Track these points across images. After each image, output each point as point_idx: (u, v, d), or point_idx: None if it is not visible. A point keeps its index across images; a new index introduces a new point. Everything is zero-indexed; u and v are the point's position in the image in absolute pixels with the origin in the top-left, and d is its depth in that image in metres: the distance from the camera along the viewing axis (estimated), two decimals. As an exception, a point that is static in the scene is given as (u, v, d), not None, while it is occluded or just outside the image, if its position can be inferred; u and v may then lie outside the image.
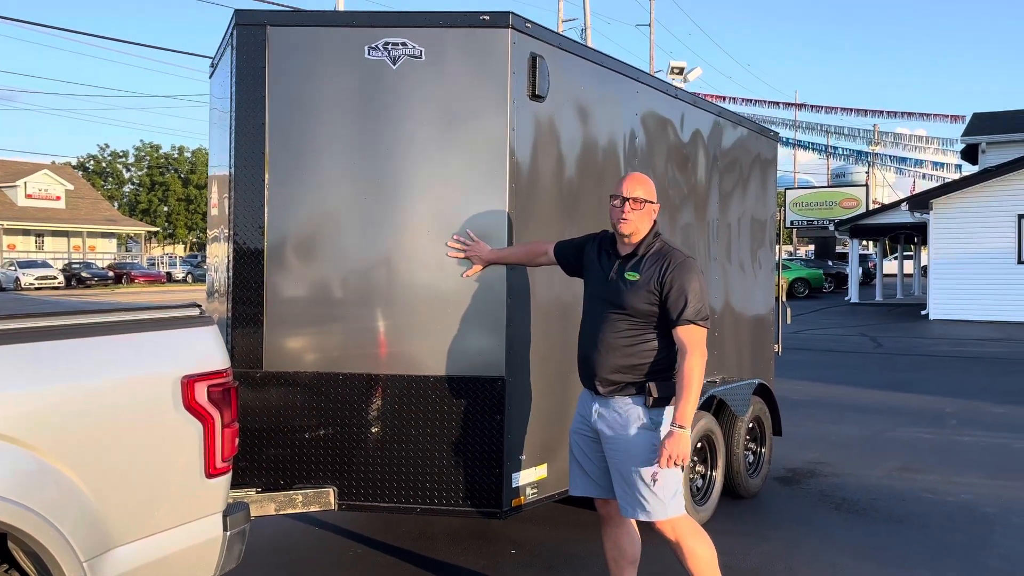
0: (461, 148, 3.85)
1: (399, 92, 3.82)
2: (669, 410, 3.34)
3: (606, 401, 3.41)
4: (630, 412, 3.36)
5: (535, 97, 3.92)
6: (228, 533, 2.79)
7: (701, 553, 3.39)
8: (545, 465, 4.07)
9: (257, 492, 3.84)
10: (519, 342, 3.89)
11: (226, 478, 2.82)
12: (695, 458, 4.94)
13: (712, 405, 5.17)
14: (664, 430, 3.31)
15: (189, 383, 2.66)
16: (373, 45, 3.81)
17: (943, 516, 5.35)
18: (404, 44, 3.80)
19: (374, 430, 3.84)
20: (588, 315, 3.54)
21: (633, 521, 3.55)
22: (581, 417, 3.55)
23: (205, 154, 61.46)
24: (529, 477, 3.97)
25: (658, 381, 3.35)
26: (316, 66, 3.86)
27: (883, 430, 8.00)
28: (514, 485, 3.87)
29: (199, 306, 2.84)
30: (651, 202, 3.42)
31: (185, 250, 68.06)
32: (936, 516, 5.35)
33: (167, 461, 2.63)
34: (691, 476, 4.91)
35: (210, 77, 4.82)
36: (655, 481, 3.28)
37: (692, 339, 3.27)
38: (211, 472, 2.73)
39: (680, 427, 3.18)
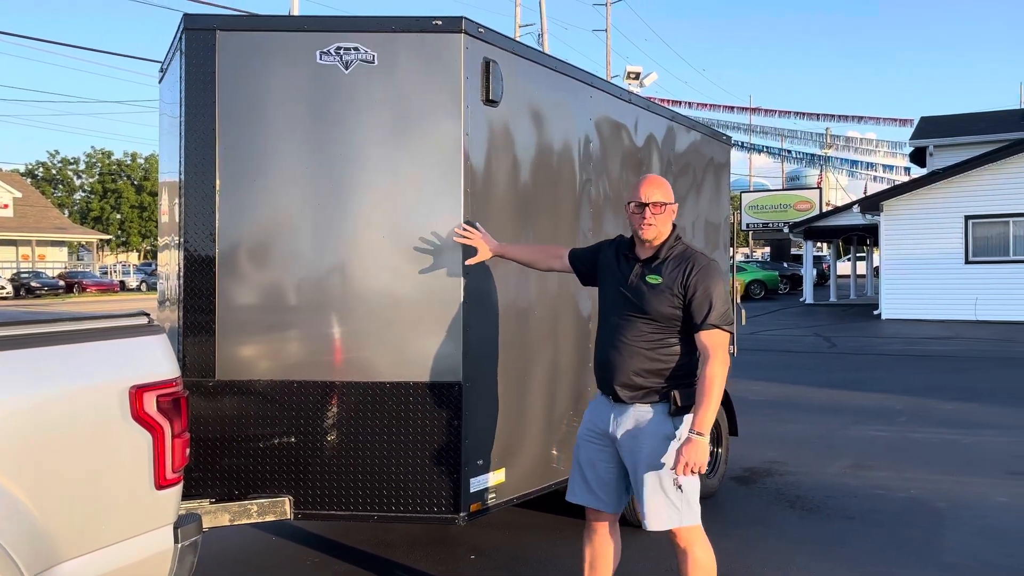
0: (415, 153, 3.83)
1: (352, 97, 3.79)
2: (688, 417, 3.28)
3: (625, 408, 3.34)
4: (652, 420, 3.29)
5: (489, 102, 3.92)
6: (179, 545, 2.74)
7: (706, 563, 3.34)
8: (503, 470, 4.06)
9: (211, 503, 3.78)
10: (476, 346, 3.88)
11: (177, 489, 2.78)
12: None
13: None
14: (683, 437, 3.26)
15: (137, 393, 2.61)
16: (325, 50, 3.79)
17: (895, 512, 5.45)
18: (356, 49, 3.78)
19: (330, 438, 3.81)
20: (607, 320, 3.45)
21: (618, 532, 3.54)
22: (592, 424, 3.48)
23: (158, 160, 60.35)
24: (487, 482, 3.96)
25: (681, 388, 3.28)
26: (267, 71, 3.82)
27: (837, 428, 8.14)
28: (472, 490, 3.85)
29: (147, 314, 2.79)
30: (670, 204, 3.37)
31: (139, 258, 66.89)
32: (888, 512, 5.45)
33: (115, 473, 2.58)
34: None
35: (160, 82, 4.75)
36: (679, 490, 3.24)
37: (716, 344, 3.21)
38: (161, 483, 2.69)
39: (698, 434, 3.11)
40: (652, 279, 3.31)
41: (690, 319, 3.26)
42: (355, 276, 3.82)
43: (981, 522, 5.23)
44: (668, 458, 3.25)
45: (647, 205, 3.32)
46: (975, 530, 5.08)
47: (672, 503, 3.27)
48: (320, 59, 3.79)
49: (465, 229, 3.77)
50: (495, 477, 4.02)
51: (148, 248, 66.82)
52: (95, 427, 2.52)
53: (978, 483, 6.11)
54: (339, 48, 3.79)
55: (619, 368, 3.32)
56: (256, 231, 3.84)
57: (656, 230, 3.34)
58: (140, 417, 2.62)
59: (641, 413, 3.31)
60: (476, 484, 3.88)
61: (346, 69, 3.79)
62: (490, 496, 3.99)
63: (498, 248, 3.81)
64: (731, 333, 3.29)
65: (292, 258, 3.84)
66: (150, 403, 2.64)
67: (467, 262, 3.81)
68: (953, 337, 16.70)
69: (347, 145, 3.81)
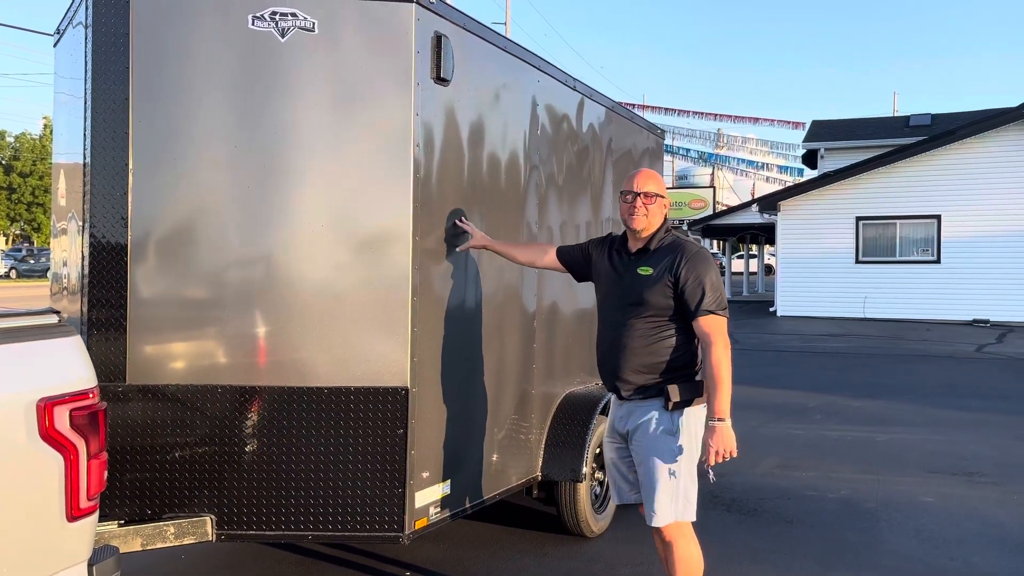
0: (359, 133, 3.46)
1: (288, 68, 3.39)
2: (689, 411, 3.28)
3: (628, 405, 3.38)
4: (653, 417, 3.29)
5: (439, 80, 3.59)
6: (95, 586, 2.32)
7: (693, 557, 3.33)
8: (449, 481, 3.74)
9: (119, 525, 3.33)
10: (424, 347, 3.54)
11: (92, 520, 2.35)
12: (594, 464, 4.74)
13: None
14: (685, 433, 3.26)
15: (47, 407, 2.17)
16: (258, 14, 3.37)
17: (829, 514, 5.41)
18: (294, 15, 3.38)
19: (259, 450, 3.40)
20: (603, 317, 3.49)
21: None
22: (610, 424, 3.52)
23: (31, 139, 56.70)
24: (433, 495, 3.63)
25: (678, 383, 3.28)
26: (191, 36, 3.37)
27: (755, 426, 8.15)
28: (418, 505, 3.52)
29: (57, 313, 2.35)
30: (662, 196, 3.39)
31: (7, 243, 62.61)
32: (823, 514, 5.40)
33: (18, 504, 2.13)
34: (591, 483, 4.71)
35: (55, 46, 4.20)
36: (674, 486, 3.25)
37: (715, 328, 3.22)
38: (74, 514, 2.25)
39: (719, 420, 3.14)
40: (643, 271, 3.32)
41: (685, 308, 3.26)
42: (289, 268, 3.42)
43: (914, 523, 5.23)
44: (666, 454, 3.25)
45: (639, 195, 3.34)
46: (910, 532, 5.08)
47: (674, 499, 3.27)
48: (253, 24, 3.37)
49: (462, 221, 3.77)
50: (441, 490, 3.70)
51: (17, 232, 62.53)
52: (-6, 450, 2.07)
53: (903, 483, 6.16)
54: (274, 13, 3.38)
55: (617, 365, 3.35)
56: (176, 216, 3.40)
57: (647, 220, 3.36)
58: (49, 436, 2.18)
59: (642, 409, 3.33)
60: (422, 498, 3.55)
61: (282, 37, 3.38)
62: (435, 511, 3.66)
63: (485, 240, 3.83)
64: (726, 319, 3.28)
65: (217, 247, 3.41)
66: (62, 419, 2.21)
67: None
68: (846, 334, 17.25)
69: (282, 122, 3.41)
